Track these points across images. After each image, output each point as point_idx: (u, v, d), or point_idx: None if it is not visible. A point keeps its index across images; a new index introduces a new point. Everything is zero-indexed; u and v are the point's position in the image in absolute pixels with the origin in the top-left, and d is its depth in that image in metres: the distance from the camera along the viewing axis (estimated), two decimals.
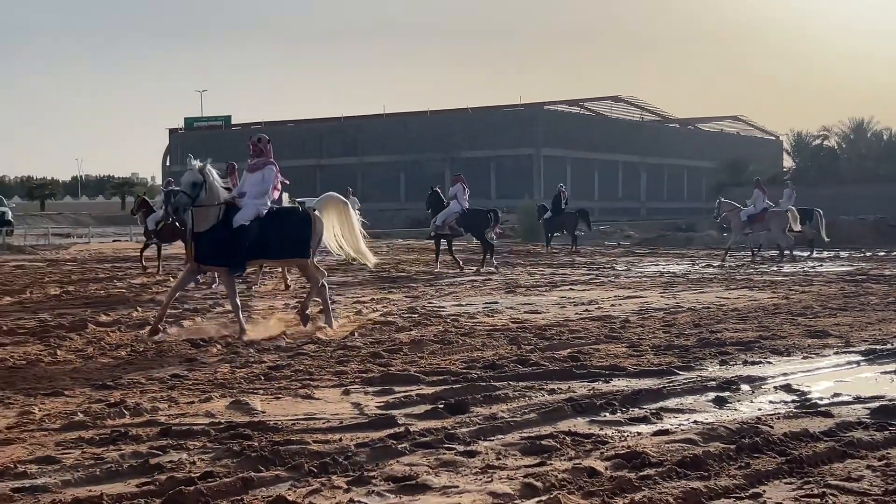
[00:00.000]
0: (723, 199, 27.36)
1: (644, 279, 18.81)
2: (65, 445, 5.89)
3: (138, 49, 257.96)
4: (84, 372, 8.56)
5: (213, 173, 10.80)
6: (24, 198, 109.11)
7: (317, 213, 11.48)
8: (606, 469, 5.24)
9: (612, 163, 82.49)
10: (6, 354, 9.44)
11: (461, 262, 21.83)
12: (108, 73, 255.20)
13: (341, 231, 11.81)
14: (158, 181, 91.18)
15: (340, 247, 11.87)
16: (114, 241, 40.31)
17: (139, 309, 13.40)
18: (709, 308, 13.26)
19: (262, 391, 7.59)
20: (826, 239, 26.87)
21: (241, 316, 10.93)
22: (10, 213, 45.60)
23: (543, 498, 4.72)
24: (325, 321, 11.31)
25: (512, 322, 11.90)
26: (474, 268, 21.47)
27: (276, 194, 11.36)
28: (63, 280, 18.95)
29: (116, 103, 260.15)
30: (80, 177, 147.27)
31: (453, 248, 22.58)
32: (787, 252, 25.30)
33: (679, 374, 8.15)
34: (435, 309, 13.47)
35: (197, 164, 10.72)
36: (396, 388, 7.59)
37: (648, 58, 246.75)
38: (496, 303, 14.34)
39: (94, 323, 11.72)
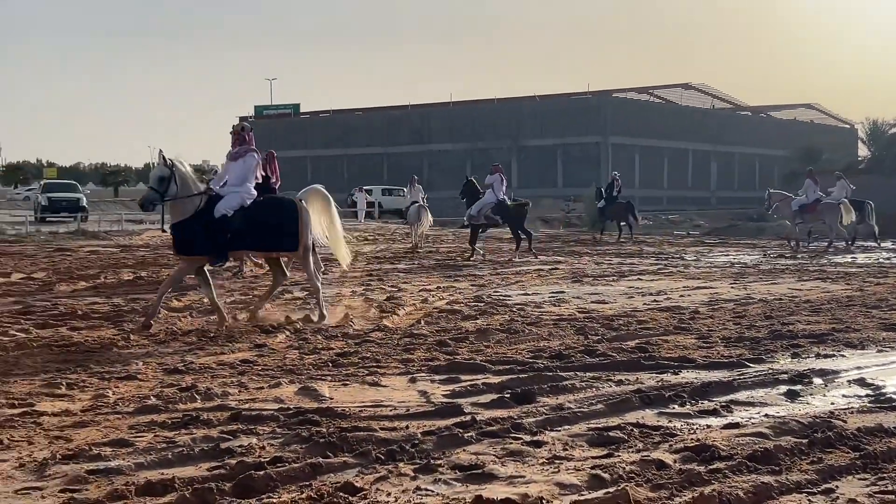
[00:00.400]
0: (772, 190, 27.69)
1: (714, 269, 18.56)
2: (138, 429, 6.00)
3: (209, 37, 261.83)
4: (156, 356, 8.73)
5: (185, 165, 10.62)
6: (98, 184, 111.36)
7: (303, 203, 11.11)
8: (675, 462, 5.19)
9: (681, 151, 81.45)
10: (81, 338, 9.66)
11: (482, 253, 21.79)
12: (180, 61, 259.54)
13: (325, 225, 11.41)
14: None
15: (326, 238, 11.50)
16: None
17: None
18: (780, 300, 13.03)
19: (329, 378, 7.66)
20: (877, 229, 26.73)
21: (159, 308, 10.76)
22: (84, 199, 46.46)
23: (611, 490, 4.69)
24: (318, 314, 10.97)
25: (579, 312, 11.83)
26: (527, 257, 21.43)
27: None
28: (136, 265, 19.32)
29: (188, 91, 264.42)
30: (153, 164, 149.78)
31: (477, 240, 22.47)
32: (850, 242, 25.47)
33: (750, 367, 8.03)
34: (501, 298, 13.46)
35: (164, 157, 10.48)
36: (462, 377, 7.60)
37: (720, 45, 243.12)
38: (563, 292, 14.27)
39: (165, 308, 11.91)
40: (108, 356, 8.71)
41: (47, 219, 42.45)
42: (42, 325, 10.62)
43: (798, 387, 7.21)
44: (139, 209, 11.40)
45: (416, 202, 26.22)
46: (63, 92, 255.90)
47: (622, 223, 30.53)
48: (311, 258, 11.15)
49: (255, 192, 11.02)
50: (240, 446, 5.51)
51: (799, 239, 25.83)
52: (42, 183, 54.19)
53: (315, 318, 10.91)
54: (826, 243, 25.81)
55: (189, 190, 10.57)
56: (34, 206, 46.36)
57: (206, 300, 11.11)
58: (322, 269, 12.75)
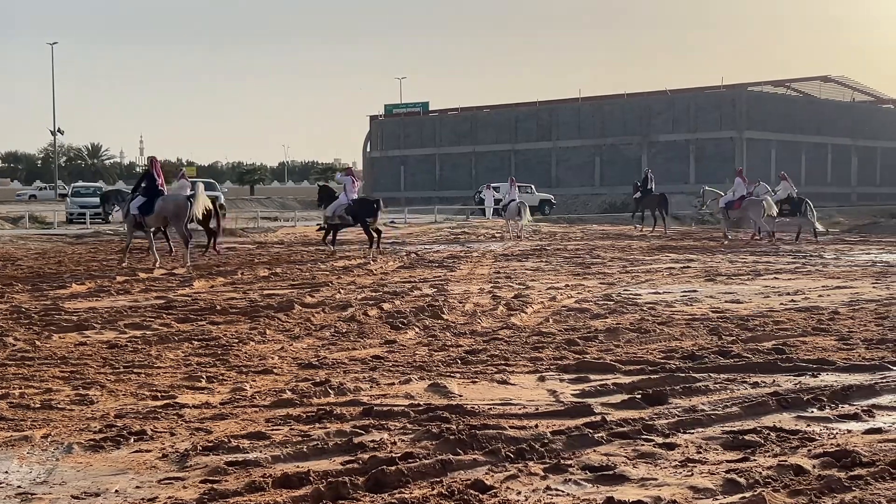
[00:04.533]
0: (706, 188, 31.69)
1: (854, 268, 17.88)
2: (274, 422, 6.17)
3: (341, 39, 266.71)
4: (291, 351, 8.94)
5: None
6: (234, 182, 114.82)
7: None
8: (814, 467, 5.03)
9: (820, 146, 78.62)
10: (220, 332, 9.98)
11: (335, 249, 22.91)
12: (312, 63, 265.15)
13: None
14: (360, 166, 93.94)
15: None
16: (317, 225, 41.69)
17: (342, 291, 13.86)
18: None
19: (458, 375, 7.71)
20: (819, 228, 27.73)
21: None
22: (222, 197, 47.74)
23: (747, 495, 4.58)
24: None
25: (712, 311, 11.57)
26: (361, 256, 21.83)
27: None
28: (271, 262, 19.83)
29: (321, 92, 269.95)
30: (287, 162, 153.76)
31: (337, 236, 23.94)
32: (767, 234, 27.02)
33: (893, 370, 7.71)
34: (631, 296, 13.28)
35: None
36: (592, 377, 7.54)
37: (860, 35, 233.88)
38: (695, 291, 13.99)
39: (300, 304, 12.20)
40: (245, 350, 8.98)
41: None
42: (182, 319, 11.02)
43: None
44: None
45: (514, 199, 30.64)
46: (201, 93, 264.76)
47: (656, 213, 33.62)
48: None
49: None
50: (372, 441, 5.61)
51: (726, 232, 28.25)
52: None
53: None
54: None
55: None
56: None
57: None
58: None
